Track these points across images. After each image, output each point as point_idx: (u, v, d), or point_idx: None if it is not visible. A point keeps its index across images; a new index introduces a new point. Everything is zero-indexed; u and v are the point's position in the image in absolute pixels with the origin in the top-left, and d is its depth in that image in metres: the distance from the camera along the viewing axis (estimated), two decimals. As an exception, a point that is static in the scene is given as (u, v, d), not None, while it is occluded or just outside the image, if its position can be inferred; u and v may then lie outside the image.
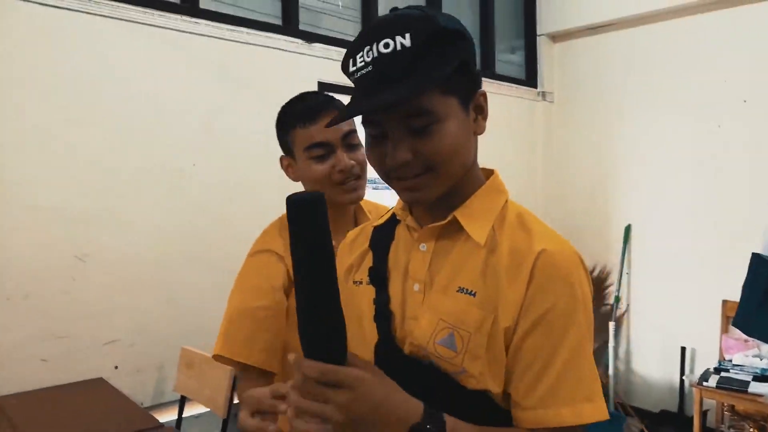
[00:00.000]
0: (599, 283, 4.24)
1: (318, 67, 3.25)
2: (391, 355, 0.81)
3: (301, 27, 3.31)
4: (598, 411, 0.76)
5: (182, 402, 2.37)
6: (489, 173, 0.92)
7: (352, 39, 3.32)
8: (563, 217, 4.58)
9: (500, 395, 0.79)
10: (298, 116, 1.27)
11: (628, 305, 4.20)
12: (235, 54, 2.93)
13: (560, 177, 4.64)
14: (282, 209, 0.99)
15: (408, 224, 0.88)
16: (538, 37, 4.67)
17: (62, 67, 2.39)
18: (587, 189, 4.46)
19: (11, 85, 2.27)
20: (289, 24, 3.26)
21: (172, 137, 2.71)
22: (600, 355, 4.04)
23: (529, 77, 4.70)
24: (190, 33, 2.77)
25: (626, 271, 4.19)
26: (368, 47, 0.75)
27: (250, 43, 2.99)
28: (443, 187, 0.81)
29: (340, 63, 3.17)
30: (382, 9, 3.67)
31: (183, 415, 2.37)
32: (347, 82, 3.20)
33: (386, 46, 0.74)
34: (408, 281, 0.84)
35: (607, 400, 3.88)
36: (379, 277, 0.87)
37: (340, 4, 3.66)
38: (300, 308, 0.66)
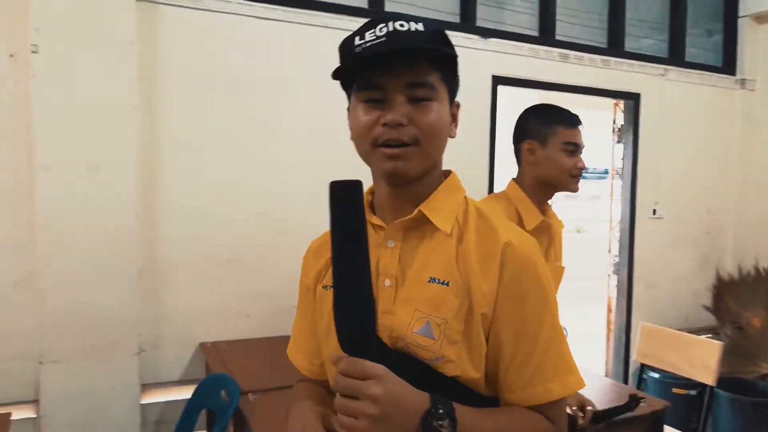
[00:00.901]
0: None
1: (492, 61, 3.30)
2: (374, 349, 0.78)
3: (479, 23, 3.38)
4: (578, 381, 0.82)
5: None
6: (447, 173, 0.94)
7: (529, 32, 3.29)
8: (758, 217, 4.09)
9: (480, 381, 0.82)
10: (566, 119, 1.63)
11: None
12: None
13: (758, 173, 4.14)
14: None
15: (373, 223, 0.88)
16: (739, 19, 4.19)
17: (270, 70, 2.76)
18: (791, 187, 3.93)
19: (236, 84, 2.68)
20: (467, 21, 3.35)
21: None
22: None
23: (727, 63, 4.24)
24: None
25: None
26: (382, 25, 0.80)
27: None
28: (421, 166, 0.84)
29: (514, 56, 3.20)
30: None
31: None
32: (520, 74, 3.22)
33: (402, 25, 0.80)
34: (379, 278, 0.84)
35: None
36: None
37: (518, -3, 3.66)
38: (335, 294, 0.72)
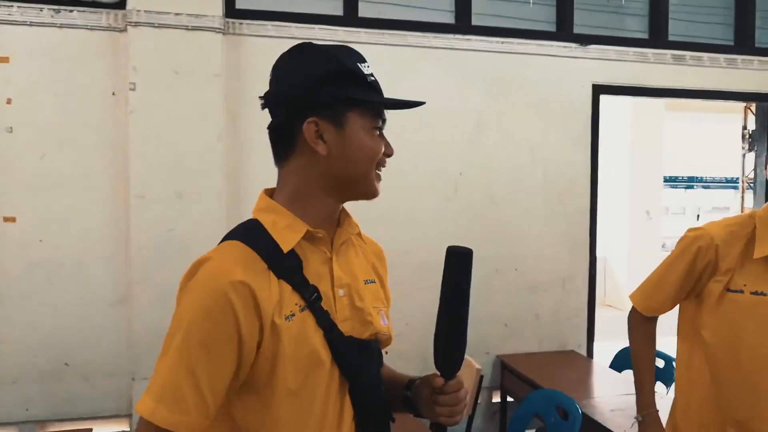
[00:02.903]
0: None
1: (592, 68, 2.89)
2: (357, 349, 0.87)
3: (576, 30, 2.98)
4: None
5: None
6: None
7: (635, 35, 2.85)
8: None
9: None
10: None
11: None
12: (505, 65, 2.78)
13: None
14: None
15: (321, 237, 0.87)
16: None
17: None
18: None
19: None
20: (563, 28, 2.96)
21: (443, 147, 2.71)
22: None
23: None
24: (461, 50, 2.72)
25: None
26: (367, 63, 0.90)
27: (521, 53, 2.80)
28: None
29: (618, 62, 2.76)
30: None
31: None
32: (626, 81, 2.77)
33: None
34: (335, 290, 0.87)
35: None
36: (316, 301, 0.84)
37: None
38: (442, 337, 0.89)
